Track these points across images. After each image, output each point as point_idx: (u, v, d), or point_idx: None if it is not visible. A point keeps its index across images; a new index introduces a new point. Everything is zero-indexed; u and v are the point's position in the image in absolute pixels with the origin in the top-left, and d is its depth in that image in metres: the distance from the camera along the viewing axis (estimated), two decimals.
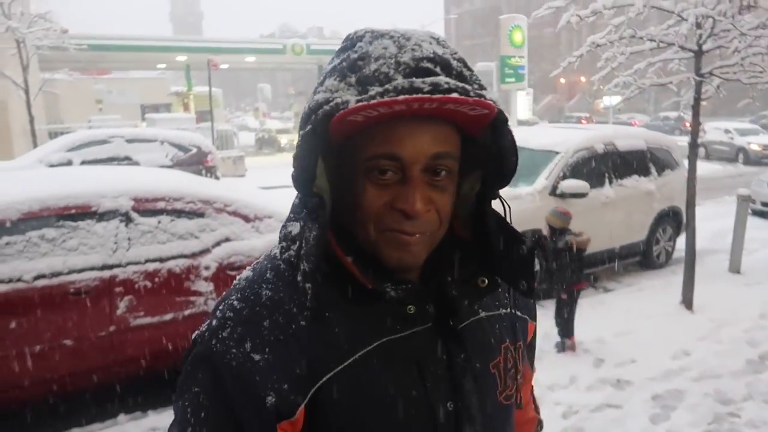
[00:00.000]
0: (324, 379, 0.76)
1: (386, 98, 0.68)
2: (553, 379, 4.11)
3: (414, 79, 0.70)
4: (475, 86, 0.74)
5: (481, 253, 0.85)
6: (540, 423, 1.13)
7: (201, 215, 4.17)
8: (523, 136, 7.16)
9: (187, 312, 4.00)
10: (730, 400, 3.80)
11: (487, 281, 0.85)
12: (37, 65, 15.38)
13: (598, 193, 6.45)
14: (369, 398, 0.77)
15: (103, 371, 3.78)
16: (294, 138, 29.97)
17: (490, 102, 0.72)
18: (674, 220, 7.36)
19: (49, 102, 20.96)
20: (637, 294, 6.04)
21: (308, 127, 0.74)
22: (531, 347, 1.04)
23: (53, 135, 15.97)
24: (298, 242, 0.77)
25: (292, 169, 0.76)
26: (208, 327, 0.79)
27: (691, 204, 5.38)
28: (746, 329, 4.94)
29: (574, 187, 6.07)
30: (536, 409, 1.12)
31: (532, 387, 1.10)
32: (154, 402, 4.00)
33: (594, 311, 5.53)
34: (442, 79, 0.71)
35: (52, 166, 9.34)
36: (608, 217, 6.55)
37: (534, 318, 1.02)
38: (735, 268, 6.64)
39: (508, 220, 0.85)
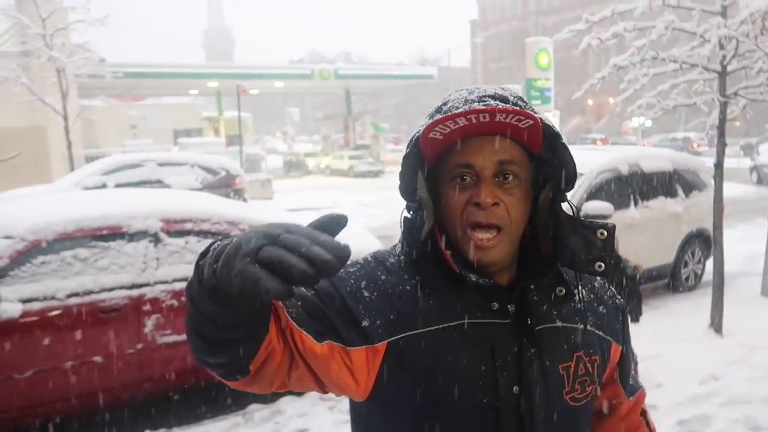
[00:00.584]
0: (410, 333, 0.95)
1: (450, 114, 0.89)
2: None
3: (474, 104, 0.92)
4: (528, 109, 0.92)
5: (559, 256, 0.99)
6: None
7: (227, 236, 4.26)
8: None
9: None
10: (760, 426, 3.70)
11: (564, 291, 1.01)
12: (75, 92, 15.99)
13: (623, 214, 6.39)
14: (444, 361, 0.95)
15: (130, 388, 3.88)
16: (321, 161, 30.35)
17: (530, 112, 0.90)
18: (703, 242, 7.23)
19: (86, 127, 21.67)
20: (666, 317, 5.93)
21: (406, 150, 0.97)
22: (622, 369, 1.14)
23: (89, 159, 16.51)
24: (407, 238, 0.99)
25: (399, 182, 0.98)
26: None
27: (718, 225, 5.30)
28: None
29: (597, 209, 6.02)
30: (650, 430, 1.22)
31: (644, 410, 1.23)
32: (179, 418, 4.08)
33: None
34: (495, 102, 0.92)
35: (87, 188, 9.65)
36: (634, 239, 6.47)
37: (620, 342, 1.11)
38: (767, 291, 6.47)
39: (578, 215, 1.01)
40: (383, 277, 1.00)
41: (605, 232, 0.97)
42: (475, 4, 76.58)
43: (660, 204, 6.77)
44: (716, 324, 5.27)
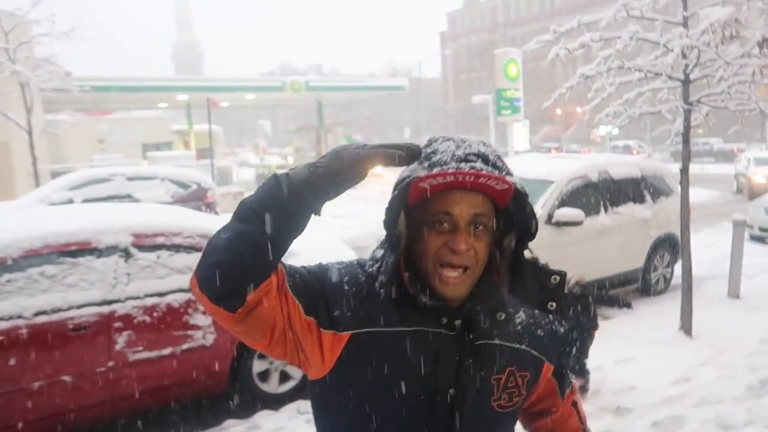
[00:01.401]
0: (372, 329, 1.14)
1: (441, 171, 1.06)
2: None
3: (461, 163, 1.08)
4: (504, 171, 1.11)
5: (514, 291, 1.18)
6: (586, 431, 1.43)
7: (199, 249, 4.21)
8: (518, 166, 7.27)
9: (185, 346, 4.02)
10: (730, 425, 3.78)
11: (504, 316, 1.18)
12: (40, 107, 15.65)
13: (594, 221, 6.51)
14: (395, 358, 1.13)
15: (101, 407, 3.78)
16: None
17: (508, 178, 1.07)
18: (671, 247, 7.39)
19: (52, 142, 21.20)
20: (637, 321, 6.02)
21: (395, 191, 1.10)
22: (560, 382, 1.35)
23: (55, 175, 16.14)
24: (380, 262, 1.16)
25: (384, 217, 1.11)
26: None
27: (685, 230, 5.42)
28: (746, 354, 4.92)
29: (569, 216, 6.12)
30: (581, 419, 1.43)
31: (575, 402, 1.42)
32: None
33: (594, 339, 5.51)
34: (480, 165, 1.08)
35: (53, 204, 9.43)
36: (605, 244, 6.60)
37: (552, 362, 1.30)
38: (734, 293, 6.64)
39: (538, 261, 1.18)
40: (362, 279, 1.18)
41: (558, 278, 1.15)
42: (445, 16, 77.55)
43: (629, 210, 6.91)
44: (686, 326, 5.37)
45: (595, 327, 4.15)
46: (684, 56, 5.13)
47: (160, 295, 3.99)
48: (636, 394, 4.26)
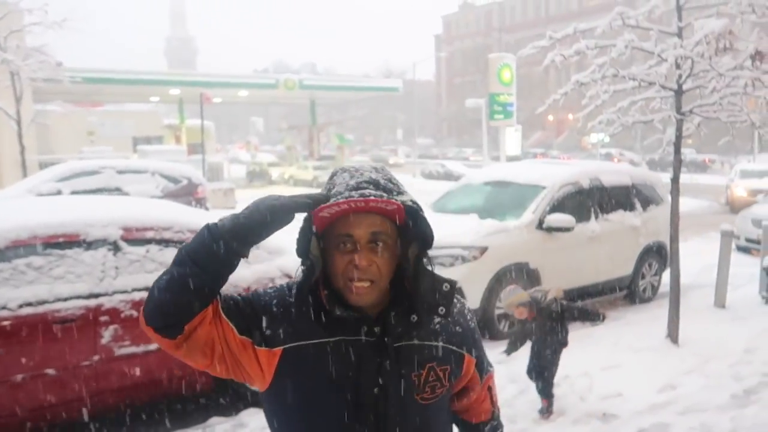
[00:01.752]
0: (301, 342, 1.29)
1: (335, 201, 1.22)
2: (539, 413, 4.10)
3: (353, 192, 1.24)
4: (394, 193, 1.27)
5: (415, 297, 1.31)
6: (495, 412, 1.59)
7: None
8: (510, 172, 7.29)
9: None
10: None
11: (417, 318, 1.31)
12: (30, 96, 15.49)
13: (584, 227, 6.54)
14: (322, 366, 1.28)
15: (85, 401, 3.73)
16: (285, 171, 30.15)
17: (397, 198, 1.25)
18: (660, 255, 7.44)
19: (41, 133, 20.99)
20: (624, 328, 6.06)
21: (303, 224, 1.27)
22: (480, 371, 1.50)
23: (44, 166, 15.97)
24: (300, 282, 1.30)
25: (296, 246, 1.28)
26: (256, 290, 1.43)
27: (674, 239, 5.46)
28: (731, 364, 4.96)
29: (560, 221, 6.15)
30: (493, 403, 1.58)
31: (490, 388, 1.57)
32: None
33: (581, 344, 5.52)
34: (369, 191, 1.24)
35: (41, 195, 9.32)
36: (594, 251, 6.63)
37: (470, 352, 1.44)
38: (720, 303, 6.69)
39: (433, 269, 1.34)
40: (289, 300, 1.33)
41: (448, 285, 1.33)
42: (440, 19, 77.71)
43: (619, 217, 6.96)
44: (673, 334, 5.41)
45: (564, 345, 4.13)
46: (678, 66, 5.17)
47: (148, 289, 3.94)
48: (622, 400, 4.28)
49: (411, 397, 1.33)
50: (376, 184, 1.27)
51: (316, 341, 1.29)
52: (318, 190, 1.33)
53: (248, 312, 1.31)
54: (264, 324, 1.30)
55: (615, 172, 7.39)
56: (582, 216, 6.56)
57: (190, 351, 1.26)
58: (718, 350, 5.23)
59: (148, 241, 4.05)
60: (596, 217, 6.74)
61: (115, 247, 3.91)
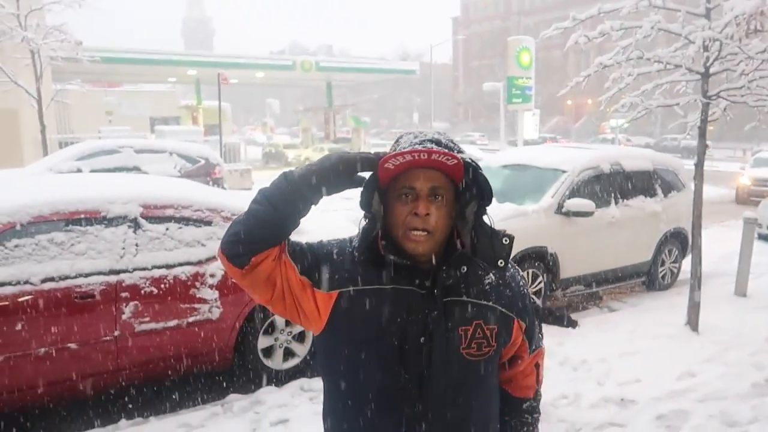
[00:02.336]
0: (355, 288, 1.39)
1: (400, 151, 1.30)
2: (557, 396, 4.09)
3: (417, 146, 1.34)
4: (454, 151, 1.34)
5: (473, 252, 1.38)
6: (538, 393, 1.62)
7: (209, 223, 4.20)
8: (530, 155, 7.21)
9: (191, 319, 4.02)
10: (735, 422, 3.77)
11: (466, 269, 1.38)
12: (50, 76, 15.57)
13: (604, 212, 6.45)
14: (374, 310, 1.37)
15: (106, 376, 3.79)
16: (301, 153, 30.19)
17: (456, 154, 1.31)
18: (680, 242, 7.34)
19: (60, 112, 21.16)
20: (642, 315, 6.00)
21: (368, 178, 1.34)
22: (530, 339, 1.53)
23: (63, 145, 16.12)
24: (362, 231, 1.40)
25: (360, 199, 1.36)
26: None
27: (697, 225, 5.37)
28: (752, 352, 4.89)
29: (579, 206, 6.08)
30: (537, 381, 1.61)
31: (538, 365, 1.60)
32: (155, 408, 4.00)
33: (598, 331, 5.50)
34: (432, 146, 1.33)
35: (61, 174, 9.41)
36: (613, 237, 6.55)
37: (521, 317, 1.48)
38: (741, 291, 6.60)
39: (492, 225, 1.41)
40: (348, 249, 1.44)
41: (508, 239, 1.38)
42: (458, 2, 76.71)
43: (639, 203, 6.85)
44: (692, 322, 5.34)
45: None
46: (705, 49, 5.04)
47: (168, 267, 3.98)
48: (640, 386, 4.24)
49: (456, 350, 1.37)
50: (438, 143, 1.36)
51: (371, 287, 1.38)
52: None
53: (311, 256, 1.42)
54: (324, 269, 1.40)
55: (636, 157, 7.26)
56: (602, 201, 6.48)
57: (253, 282, 1.37)
58: (739, 339, 5.16)
59: (168, 219, 4.07)
60: (616, 203, 6.64)
61: (136, 225, 3.94)
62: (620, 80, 5.46)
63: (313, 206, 1.36)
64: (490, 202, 1.37)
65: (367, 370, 1.37)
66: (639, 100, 5.53)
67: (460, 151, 1.36)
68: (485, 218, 1.39)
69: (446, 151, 1.30)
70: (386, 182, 1.35)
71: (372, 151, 1.36)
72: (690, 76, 5.35)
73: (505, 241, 1.37)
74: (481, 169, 1.34)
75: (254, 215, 1.33)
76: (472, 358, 1.39)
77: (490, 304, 1.41)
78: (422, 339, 1.35)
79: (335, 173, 1.31)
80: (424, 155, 1.28)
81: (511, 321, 1.45)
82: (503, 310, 1.43)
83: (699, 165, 5.36)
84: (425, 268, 1.37)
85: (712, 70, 5.16)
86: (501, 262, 1.37)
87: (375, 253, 1.38)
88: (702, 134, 5.33)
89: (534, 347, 1.56)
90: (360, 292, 1.38)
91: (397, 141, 1.42)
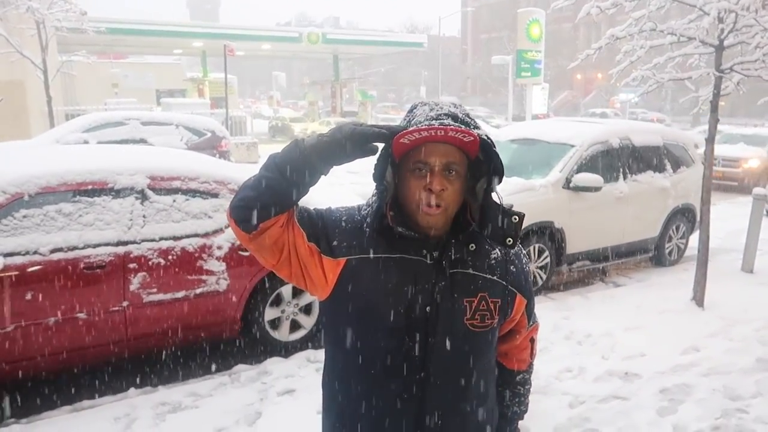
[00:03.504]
0: (363, 255, 1.40)
1: (416, 128, 1.29)
2: (561, 370, 4.11)
3: (433, 121, 1.32)
4: (470, 126, 1.33)
5: (482, 228, 1.39)
6: (531, 365, 1.67)
7: (215, 195, 4.20)
8: (538, 130, 7.14)
9: (198, 290, 4.04)
10: (738, 396, 3.79)
11: (475, 247, 1.41)
12: (55, 47, 15.48)
13: (612, 187, 6.41)
14: (381, 279, 1.38)
15: (114, 346, 3.84)
16: (307, 127, 30.07)
17: (473, 131, 1.30)
18: (688, 218, 7.30)
19: (66, 84, 21.09)
20: (648, 290, 6.01)
21: (382, 150, 1.35)
22: (528, 314, 1.57)
23: (70, 117, 16.09)
24: (374, 204, 1.40)
25: (373, 171, 1.36)
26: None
27: (706, 201, 5.33)
28: (757, 328, 4.90)
29: (587, 181, 6.04)
30: (531, 355, 1.66)
31: (533, 340, 1.64)
32: (164, 377, 4.06)
33: (604, 305, 5.52)
34: (449, 121, 1.32)
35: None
36: (621, 212, 6.52)
37: (523, 293, 1.51)
38: (748, 267, 6.58)
39: (501, 203, 1.39)
40: (357, 218, 1.44)
41: (517, 218, 1.37)
42: None
43: (648, 178, 6.80)
44: (698, 297, 5.34)
45: None
46: (720, 21, 4.94)
47: (175, 238, 3.99)
48: (645, 360, 4.26)
49: (460, 320, 1.40)
50: (454, 117, 1.34)
51: (379, 256, 1.39)
52: None
53: (319, 223, 1.43)
54: (332, 236, 1.41)
55: (646, 132, 7.18)
56: (610, 176, 6.43)
57: (259, 247, 1.38)
58: (745, 314, 5.16)
59: (175, 191, 4.07)
60: (625, 178, 6.59)
61: (143, 196, 3.94)
62: (632, 53, 5.37)
63: (323, 177, 1.35)
64: (501, 179, 1.36)
65: (372, 337, 1.39)
66: (651, 74, 5.45)
67: (476, 127, 1.35)
68: (494, 195, 1.38)
69: (463, 128, 1.29)
70: (400, 156, 1.36)
71: (383, 124, 1.35)
72: (703, 49, 5.25)
73: (515, 219, 1.37)
74: (495, 146, 1.34)
75: (263, 182, 1.33)
76: (475, 329, 1.41)
77: (495, 278, 1.44)
78: (428, 308, 1.37)
79: (346, 146, 1.30)
80: (440, 132, 1.28)
81: (513, 296, 1.48)
82: (507, 285, 1.46)
83: (710, 140, 5.30)
84: (433, 240, 1.38)
85: (726, 43, 5.06)
86: (509, 241, 1.38)
87: (384, 224, 1.39)
88: (714, 109, 5.25)
89: (531, 323, 1.60)
90: (367, 260, 1.39)
91: (411, 111, 1.40)
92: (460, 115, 1.35)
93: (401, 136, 1.29)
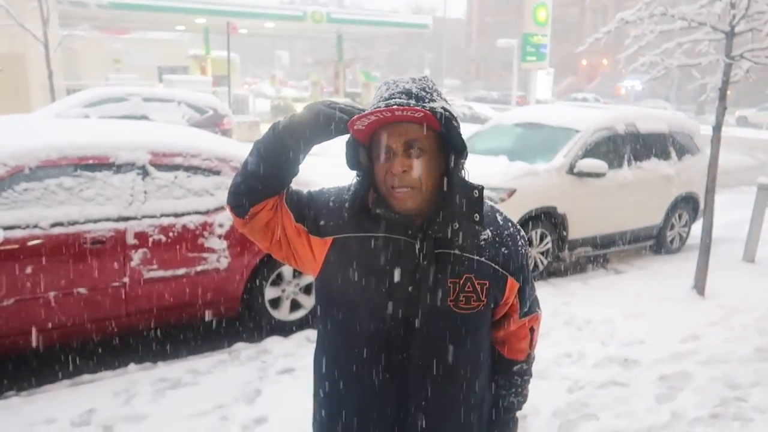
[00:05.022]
0: (349, 234, 1.40)
1: (364, 113, 1.27)
2: (560, 355, 4.12)
3: (381, 103, 1.30)
4: (426, 101, 1.30)
5: (448, 205, 1.36)
6: (530, 356, 1.62)
7: (217, 173, 4.17)
8: (543, 114, 7.08)
9: (199, 268, 4.03)
10: (737, 385, 3.79)
11: (458, 226, 1.37)
12: (56, 20, 15.30)
13: (616, 174, 6.37)
14: (365, 257, 1.38)
15: (114, 321, 3.84)
16: None
17: (427, 106, 1.27)
18: (691, 206, 7.28)
19: (68, 58, 20.88)
20: (649, 277, 5.99)
21: (348, 139, 1.36)
22: (521, 299, 1.51)
23: (71, 91, 15.97)
24: (352, 189, 1.42)
25: (345, 160, 1.37)
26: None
27: (710, 189, 5.29)
28: (757, 318, 4.89)
29: (592, 167, 6.00)
30: (531, 345, 1.61)
31: (533, 330, 1.59)
32: (163, 354, 4.06)
33: (604, 292, 5.51)
34: (400, 100, 1.29)
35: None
36: (624, 199, 6.49)
37: (515, 276, 1.46)
38: (750, 257, 6.57)
39: (466, 178, 1.37)
40: (344, 197, 1.43)
41: (477, 192, 1.35)
42: None
43: (653, 165, 6.76)
44: (699, 286, 5.33)
45: None
46: (732, 6, 4.86)
47: (176, 215, 3.97)
48: (644, 347, 4.26)
49: (444, 301, 1.37)
50: (408, 94, 1.31)
51: (363, 235, 1.39)
52: None
53: (307, 204, 1.45)
54: (320, 216, 1.43)
55: (652, 119, 7.12)
56: (614, 162, 6.39)
57: (252, 230, 1.43)
58: (745, 304, 5.15)
59: (176, 167, 4.04)
60: (629, 164, 6.55)
61: (144, 172, 3.91)
62: (641, 38, 5.30)
63: (304, 157, 1.36)
64: (464, 154, 1.35)
65: (356, 316, 1.39)
66: (659, 59, 5.38)
67: (431, 100, 1.31)
68: (463, 171, 1.36)
69: (409, 106, 1.25)
70: (367, 140, 1.35)
71: (353, 105, 1.37)
72: (714, 35, 5.18)
73: (475, 194, 1.35)
74: (455, 120, 1.31)
75: (248, 168, 1.37)
76: (460, 310, 1.38)
77: (483, 259, 1.40)
78: (410, 288, 1.35)
79: (317, 125, 1.31)
80: (387, 114, 1.25)
81: (504, 278, 1.44)
82: (496, 266, 1.42)
83: (717, 128, 5.25)
84: (417, 219, 1.37)
85: (737, 29, 4.99)
86: (476, 217, 1.36)
87: (366, 207, 1.38)
88: (722, 96, 5.19)
89: (527, 310, 1.55)
90: (353, 239, 1.39)
91: (376, 92, 1.39)
92: (415, 90, 1.32)
93: (353, 124, 1.28)
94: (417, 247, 1.36)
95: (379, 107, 1.27)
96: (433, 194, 1.35)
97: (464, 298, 1.38)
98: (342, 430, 1.48)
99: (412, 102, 1.28)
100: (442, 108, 1.29)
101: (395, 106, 1.25)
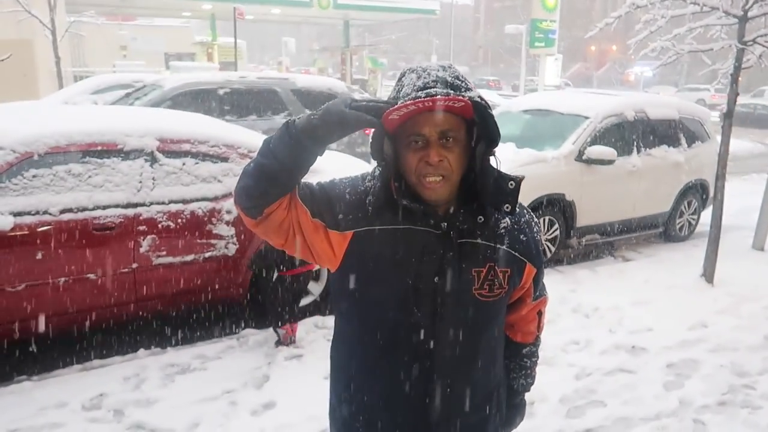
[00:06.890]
0: (370, 227, 1.38)
1: (402, 103, 1.25)
2: (568, 342, 4.12)
3: (419, 92, 1.27)
4: (462, 90, 1.29)
5: (478, 194, 1.36)
6: (538, 339, 1.67)
7: (225, 159, 4.17)
8: (552, 100, 7.02)
9: (207, 254, 4.05)
10: (745, 372, 3.78)
11: (483, 219, 1.37)
12: (63, 6, 15.30)
13: (625, 161, 6.33)
14: (389, 249, 1.36)
15: (124, 307, 3.86)
16: None
17: (466, 95, 1.27)
18: (700, 194, 7.22)
19: (75, 45, 20.90)
20: (657, 265, 5.97)
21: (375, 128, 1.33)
22: (536, 284, 1.54)
23: (78, 78, 16.00)
24: (376, 180, 1.39)
25: (370, 148, 1.37)
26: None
27: (721, 176, 5.25)
28: (766, 306, 4.87)
29: (601, 154, 5.96)
30: (539, 328, 1.65)
31: (540, 313, 1.63)
32: (173, 339, 4.09)
33: (612, 280, 5.50)
34: (437, 89, 1.27)
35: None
36: (633, 186, 6.45)
37: (533, 262, 1.48)
38: (759, 245, 6.52)
39: (499, 168, 1.37)
40: (361, 188, 1.41)
41: (513, 183, 1.34)
42: None
43: (662, 153, 6.70)
44: (708, 274, 5.31)
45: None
46: None
47: (185, 202, 3.98)
48: (652, 335, 4.26)
49: (468, 290, 1.38)
50: (443, 83, 1.29)
51: (386, 227, 1.37)
52: None
53: (323, 198, 1.40)
54: (337, 209, 1.39)
55: (662, 105, 7.04)
56: (623, 149, 6.33)
57: (266, 230, 1.39)
58: (754, 292, 5.13)
59: (185, 154, 4.04)
60: (638, 152, 6.50)
61: (152, 158, 3.91)
62: (652, 23, 5.23)
63: (322, 152, 1.33)
64: (497, 143, 1.34)
65: (381, 308, 1.39)
66: (670, 45, 5.32)
67: (468, 89, 1.31)
68: (492, 160, 1.36)
69: (452, 96, 1.25)
70: (394, 130, 1.32)
71: (376, 99, 1.32)
72: (726, 20, 5.11)
73: (511, 185, 1.34)
74: (490, 108, 1.31)
75: (260, 169, 1.32)
76: (484, 298, 1.40)
77: (504, 247, 1.42)
78: (436, 279, 1.35)
79: (336, 128, 1.28)
80: (428, 104, 1.24)
81: (523, 265, 1.46)
82: (516, 254, 1.43)
83: (728, 114, 5.20)
84: (441, 210, 1.36)
85: (750, 14, 4.92)
86: (507, 207, 1.35)
87: (389, 197, 1.37)
88: (734, 82, 5.13)
89: (538, 294, 1.58)
90: (374, 231, 1.37)
91: (399, 80, 1.36)
92: (449, 79, 1.30)
93: (389, 114, 1.25)
94: (441, 237, 1.36)
95: (417, 97, 1.25)
96: (458, 182, 1.35)
97: (488, 287, 1.39)
98: (367, 420, 1.47)
99: (451, 92, 1.27)
100: (479, 97, 1.29)
101: (438, 96, 1.23)
